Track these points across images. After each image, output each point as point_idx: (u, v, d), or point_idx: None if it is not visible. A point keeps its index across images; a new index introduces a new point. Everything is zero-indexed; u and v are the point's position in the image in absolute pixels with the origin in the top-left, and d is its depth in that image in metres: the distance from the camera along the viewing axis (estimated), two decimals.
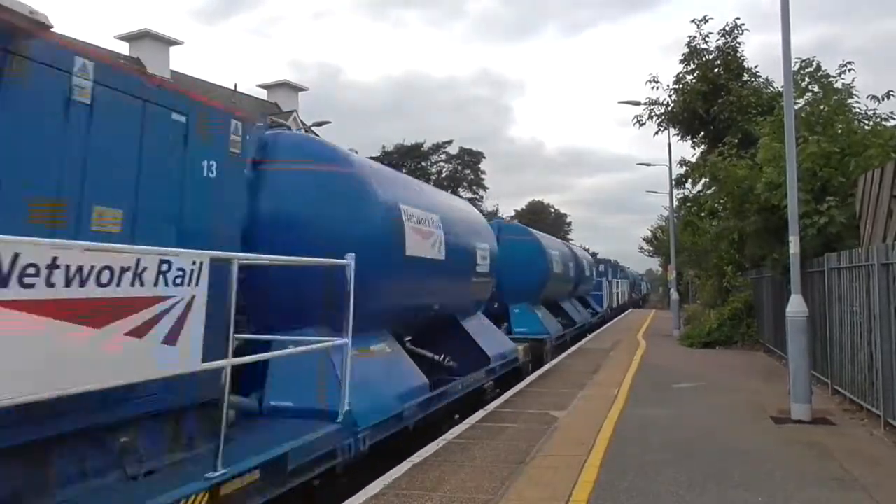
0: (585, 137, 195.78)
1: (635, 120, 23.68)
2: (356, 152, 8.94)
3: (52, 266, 3.18)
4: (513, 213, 70.69)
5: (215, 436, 4.49)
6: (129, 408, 4.32)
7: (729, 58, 22.32)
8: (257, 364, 5.92)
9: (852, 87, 13.34)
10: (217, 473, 4.37)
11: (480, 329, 11.64)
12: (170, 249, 4.05)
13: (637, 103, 23.59)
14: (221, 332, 4.48)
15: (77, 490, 4.04)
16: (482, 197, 70.54)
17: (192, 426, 5.00)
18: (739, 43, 22.49)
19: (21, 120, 3.70)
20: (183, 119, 4.85)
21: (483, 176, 71.47)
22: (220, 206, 5.23)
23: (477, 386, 10.39)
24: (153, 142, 4.59)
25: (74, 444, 4.04)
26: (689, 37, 22.76)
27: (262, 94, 43.26)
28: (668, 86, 23.11)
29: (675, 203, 25.60)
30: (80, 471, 4.12)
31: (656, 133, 23.76)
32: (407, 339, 9.47)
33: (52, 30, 3.69)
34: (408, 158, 65.77)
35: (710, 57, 22.48)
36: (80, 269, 3.32)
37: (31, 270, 3.07)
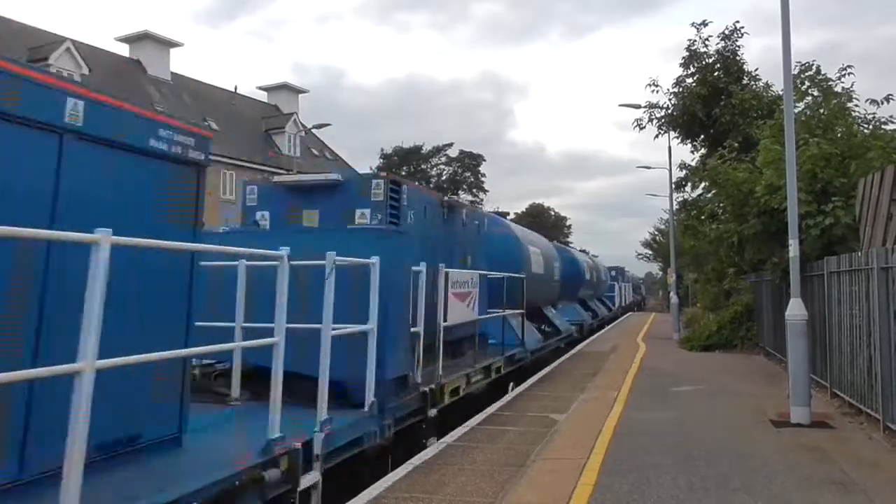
0: (586, 141, 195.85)
1: (635, 124, 23.72)
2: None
3: (456, 281, 8.82)
4: (513, 216, 70.66)
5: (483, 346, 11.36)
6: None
7: (728, 61, 22.35)
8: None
9: (852, 90, 13.38)
10: (504, 354, 11.92)
11: (552, 314, 19.46)
12: (473, 272, 10.34)
13: (637, 107, 23.64)
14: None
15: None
16: (482, 200, 70.54)
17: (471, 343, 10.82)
18: (739, 46, 22.54)
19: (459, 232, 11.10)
20: (478, 222, 12.29)
21: (483, 179, 71.59)
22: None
23: (557, 345, 17.95)
24: (472, 232, 11.86)
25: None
26: (689, 40, 22.81)
27: (263, 97, 43.34)
28: (667, 89, 23.17)
29: (676, 206, 25.63)
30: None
31: (656, 136, 23.83)
32: None
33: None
34: (407, 161, 65.87)
35: (710, 60, 22.51)
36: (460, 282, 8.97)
37: (456, 282, 8.89)
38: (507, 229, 15.58)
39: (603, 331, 28.27)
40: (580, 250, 35.29)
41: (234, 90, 40.58)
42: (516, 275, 12.96)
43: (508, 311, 12.41)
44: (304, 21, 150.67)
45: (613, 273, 45.35)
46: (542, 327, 17.46)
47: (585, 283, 27.01)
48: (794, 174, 9.26)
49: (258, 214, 8.44)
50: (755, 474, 6.43)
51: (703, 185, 18.40)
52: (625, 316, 42.72)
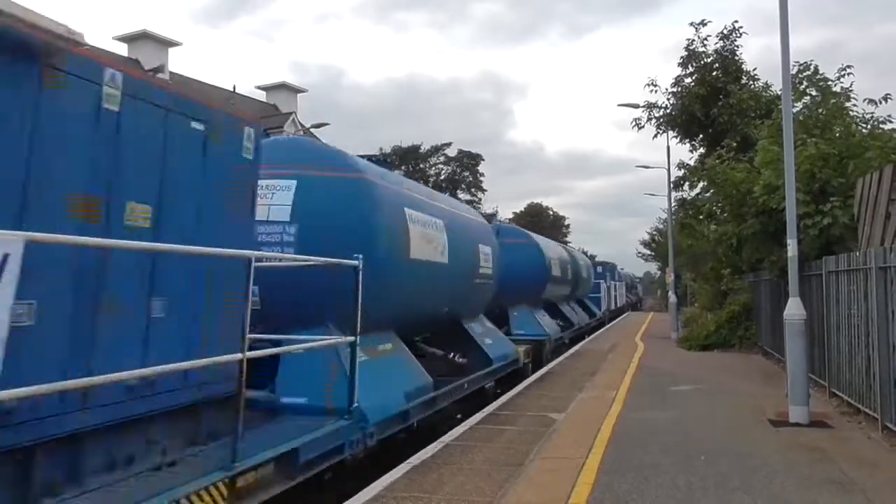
0: (585, 140, 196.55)
1: (634, 123, 23.72)
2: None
3: None
4: (511, 216, 70.69)
5: (233, 430, 4.68)
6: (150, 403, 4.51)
7: (727, 61, 22.35)
8: (270, 364, 6.07)
9: (850, 90, 13.38)
10: (233, 466, 4.60)
11: (483, 331, 12.10)
12: None
13: (636, 106, 23.64)
14: (238, 329, 4.68)
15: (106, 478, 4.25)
16: (480, 199, 70.55)
17: (210, 421, 5.16)
18: (738, 46, 22.56)
19: (59, 126, 3.90)
20: (202, 127, 5.01)
21: (482, 178, 71.55)
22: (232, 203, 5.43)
23: (480, 385, 10.75)
24: (175, 147, 4.77)
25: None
26: (688, 40, 22.83)
27: (262, 96, 43.31)
28: (666, 89, 23.17)
29: (674, 205, 25.62)
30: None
31: (655, 136, 23.83)
32: (417, 338, 9.92)
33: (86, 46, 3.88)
34: (405, 161, 65.82)
35: (709, 60, 22.52)
36: None
37: None
38: (333, 167, 7.63)
39: (585, 341, 23.45)
40: (557, 241, 29.46)
41: (232, 90, 40.49)
42: (324, 260, 6.09)
43: (318, 342, 6.24)
44: (303, 20, 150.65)
45: (600, 269, 37.44)
46: (454, 357, 10.64)
47: (553, 281, 20.14)
48: (793, 174, 9.26)
49: None
50: (754, 474, 6.43)
51: (701, 184, 18.42)
52: (617, 320, 37.98)
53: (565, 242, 48.03)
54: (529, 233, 20.58)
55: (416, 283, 8.74)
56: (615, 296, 42.60)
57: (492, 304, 13.66)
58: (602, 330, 28.56)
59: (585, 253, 52.21)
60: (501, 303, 15.63)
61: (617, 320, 36.89)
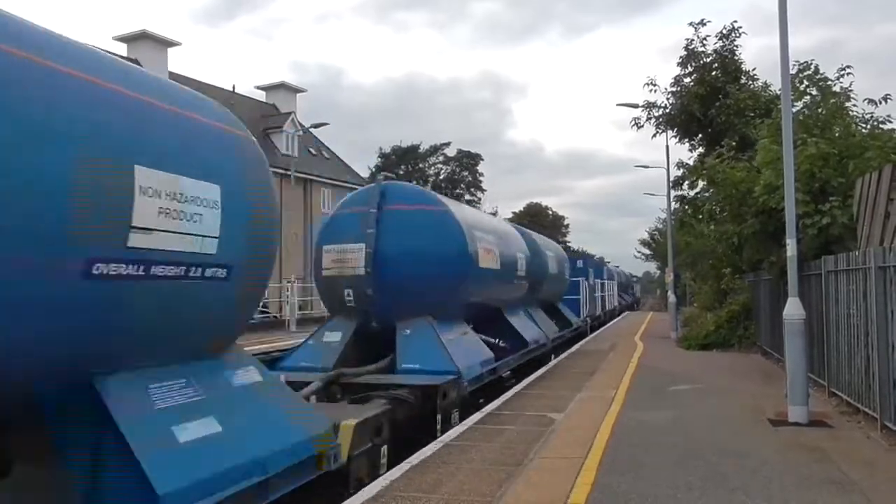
0: (585, 140, 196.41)
1: (633, 123, 23.72)
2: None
3: None
4: (511, 215, 70.72)
5: None
6: None
7: (726, 61, 22.37)
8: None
9: (850, 90, 13.37)
10: None
11: (175, 405, 3.31)
12: None
13: (635, 106, 23.63)
14: None
15: None
16: (480, 199, 70.66)
17: None
18: (737, 46, 22.58)
19: None
20: None
21: (481, 178, 71.68)
22: None
23: None
24: None
25: None
26: (687, 40, 22.84)
27: (261, 96, 43.32)
28: (665, 89, 23.18)
29: (674, 204, 25.63)
30: None
31: (654, 135, 23.82)
32: None
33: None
34: (405, 160, 65.94)
35: (708, 60, 22.53)
36: None
37: None
38: None
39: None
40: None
41: (231, 89, 40.49)
42: None
43: None
44: (303, 20, 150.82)
45: (580, 264, 29.17)
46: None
47: (483, 277, 12.10)
48: (792, 174, 9.26)
49: None
50: (754, 474, 6.43)
51: (701, 183, 18.41)
52: (606, 326, 31.05)
53: (564, 242, 47.52)
54: (441, 198, 12.03)
55: None
56: (603, 297, 34.47)
57: (367, 318, 9.28)
58: (583, 342, 22.19)
59: (582, 252, 51.77)
60: (385, 315, 10.10)
61: (609, 325, 32.12)
